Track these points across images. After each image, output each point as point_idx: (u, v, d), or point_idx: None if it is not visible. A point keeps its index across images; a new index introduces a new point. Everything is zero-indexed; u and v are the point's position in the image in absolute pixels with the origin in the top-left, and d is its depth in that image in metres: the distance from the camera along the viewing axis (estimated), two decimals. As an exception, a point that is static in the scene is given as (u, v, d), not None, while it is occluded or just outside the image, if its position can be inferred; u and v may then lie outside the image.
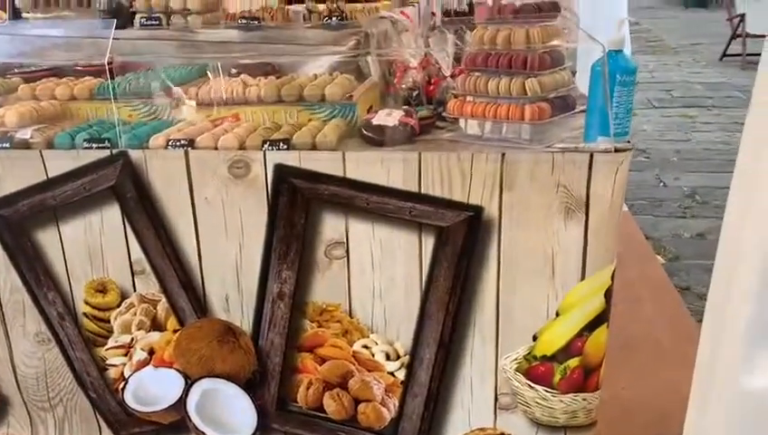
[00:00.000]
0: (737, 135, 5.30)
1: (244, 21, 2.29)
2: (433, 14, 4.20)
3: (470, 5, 4.82)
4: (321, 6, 2.35)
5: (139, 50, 2.33)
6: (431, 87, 2.20)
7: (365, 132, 1.85)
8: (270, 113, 1.97)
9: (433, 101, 2.17)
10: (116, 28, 2.28)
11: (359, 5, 2.70)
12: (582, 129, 1.77)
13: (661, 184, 5.12)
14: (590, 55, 1.72)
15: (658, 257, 3.57)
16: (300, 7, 2.66)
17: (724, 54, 9.79)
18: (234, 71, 2.22)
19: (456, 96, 1.88)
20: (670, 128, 6.56)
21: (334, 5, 2.29)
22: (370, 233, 1.73)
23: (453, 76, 2.08)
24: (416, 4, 3.92)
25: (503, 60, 1.74)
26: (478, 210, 1.67)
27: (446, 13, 4.40)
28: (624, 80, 1.61)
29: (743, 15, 9.15)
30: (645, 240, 3.82)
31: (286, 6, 2.45)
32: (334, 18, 2.27)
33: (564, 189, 1.62)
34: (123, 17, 2.42)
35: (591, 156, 1.59)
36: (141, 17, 2.37)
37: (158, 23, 2.36)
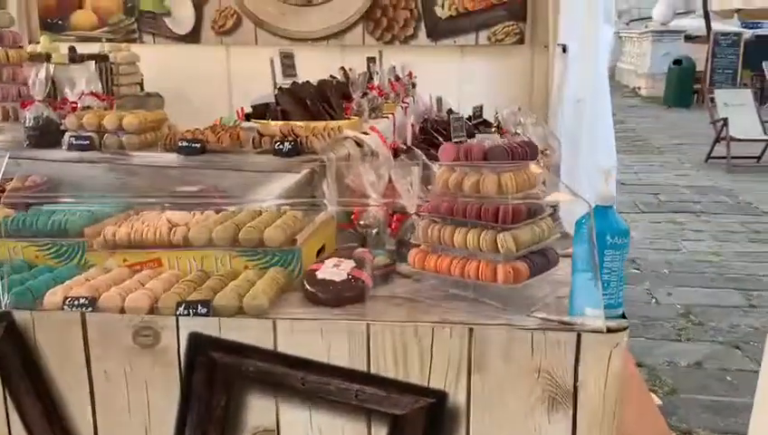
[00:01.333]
0: (728, 245, 5.02)
1: (185, 143, 2.03)
2: (412, 125, 4.02)
3: (449, 113, 4.69)
4: (274, 127, 2.10)
5: (63, 174, 2.05)
6: (393, 224, 1.93)
7: (308, 287, 1.54)
8: (199, 258, 1.66)
9: (396, 241, 1.88)
10: (43, 147, 2.01)
11: (320, 124, 2.45)
12: (568, 288, 1.47)
13: (653, 300, 4.82)
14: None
15: (654, 397, 3.23)
16: (254, 124, 2.42)
17: (709, 157, 9.77)
18: (167, 201, 1.93)
19: (417, 245, 1.59)
20: (659, 235, 6.34)
21: (288, 128, 2.04)
22: (307, 420, 1.39)
23: (418, 214, 1.80)
24: (389, 117, 3.75)
25: (471, 209, 1.46)
26: (441, 396, 1.35)
27: (423, 122, 4.24)
28: (615, 242, 1.33)
29: (725, 120, 9.19)
30: (638, 372, 3.47)
31: (237, 127, 2.20)
32: (287, 143, 2.01)
33: (547, 375, 1.31)
34: (52, 134, 2.15)
35: (579, 336, 1.29)
36: (71, 136, 2.10)
37: (88, 143, 2.09)
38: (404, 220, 1.89)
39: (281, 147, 2.00)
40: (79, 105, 2.29)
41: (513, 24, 5.55)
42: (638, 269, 5.41)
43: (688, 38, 18.44)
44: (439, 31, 5.69)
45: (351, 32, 5.76)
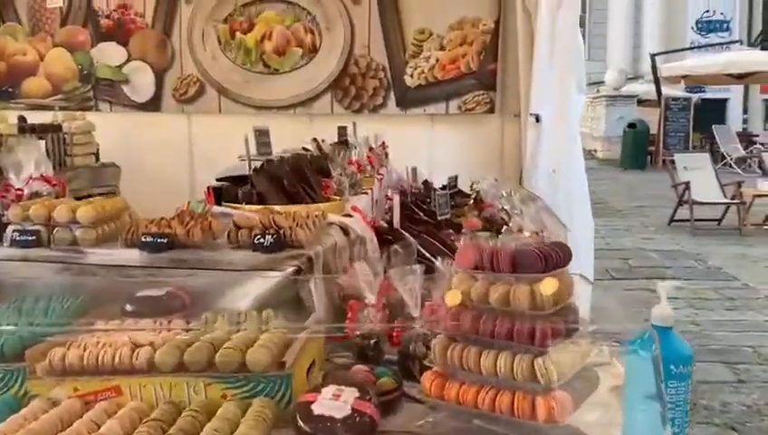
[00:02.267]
0: (704, 313, 4.86)
1: (150, 238, 1.76)
2: (387, 198, 3.82)
3: (425, 184, 4.52)
4: (253, 217, 1.85)
5: (3, 276, 1.75)
6: (395, 332, 1.68)
7: (302, 425, 1.26)
8: (167, 386, 1.37)
9: (398, 353, 1.63)
10: None
11: (302, 209, 2.21)
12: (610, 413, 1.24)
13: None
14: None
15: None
16: (227, 210, 2.16)
17: (672, 220, 9.86)
18: (129, 307, 1.65)
19: (433, 368, 1.33)
20: (636, 304, 6.22)
21: (269, 218, 1.79)
22: None
23: (431, 330, 1.56)
24: (369, 192, 3.54)
25: (500, 328, 1.22)
26: None
27: (400, 193, 4.04)
28: (680, 372, 1.11)
29: (687, 183, 9.32)
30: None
31: (208, 215, 1.94)
32: (269, 237, 1.76)
33: None
34: (-9, 229, 1.85)
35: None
36: (14, 231, 1.81)
37: (34, 238, 1.80)
38: (406, 328, 1.65)
39: (261, 241, 1.75)
40: (26, 192, 2.00)
41: (483, 94, 5.49)
42: (618, 343, 5.23)
43: (640, 102, 19.06)
44: (409, 99, 5.59)
45: (319, 100, 5.61)
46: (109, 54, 5.58)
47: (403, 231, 2.39)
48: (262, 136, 2.47)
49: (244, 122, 5.68)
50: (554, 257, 1.27)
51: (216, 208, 2.22)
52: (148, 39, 5.54)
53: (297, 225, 1.85)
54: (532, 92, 4.85)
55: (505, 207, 3.19)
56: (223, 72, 5.57)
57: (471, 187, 4.67)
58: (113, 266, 1.76)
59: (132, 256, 1.77)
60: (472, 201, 4.31)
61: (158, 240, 1.75)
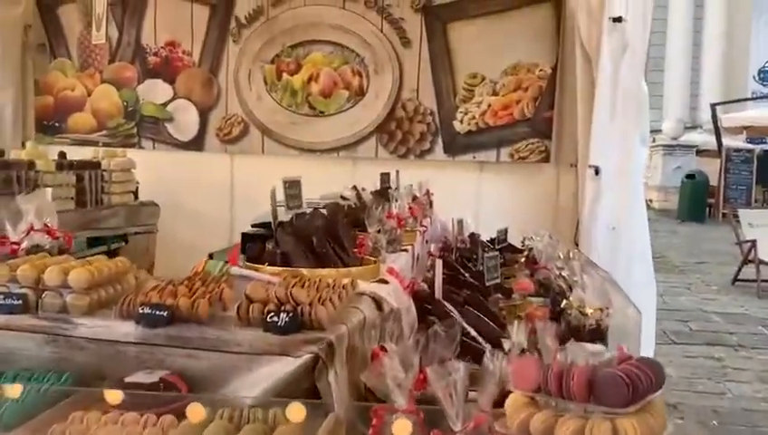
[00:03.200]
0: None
1: (147, 309, 1.51)
2: (430, 254, 3.52)
3: (472, 237, 4.19)
4: (267, 289, 1.57)
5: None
6: (428, 444, 1.37)
7: None
8: None
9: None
10: None
11: (331, 275, 1.94)
12: None
13: (706, 465, 4.14)
14: None
15: None
16: (246, 272, 1.91)
17: (736, 279, 9.22)
18: (119, 398, 1.38)
19: None
20: (698, 374, 5.69)
21: (285, 292, 1.52)
22: None
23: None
24: (409, 248, 3.25)
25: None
26: None
27: (443, 251, 3.73)
28: None
29: (754, 241, 8.71)
30: None
31: (222, 285, 1.68)
32: (283, 315, 1.49)
33: None
34: (-24, 289, 1.63)
35: None
36: (-1, 293, 1.59)
37: (20, 303, 1.56)
38: (442, 438, 1.34)
39: (275, 319, 1.47)
40: (24, 245, 1.79)
41: (537, 142, 5.18)
42: (681, 419, 4.74)
43: (699, 152, 18.36)
44: (457, 145, 5.33)
45: (364, 144, 5.41)
46: (154, 92, 5.52)
47: (446, 302, 2.09)
48: (292, 188, 2.23)
49: (286, 164, 5.55)
50: (643, 382, 0.95)
51: (235, 270, 1.97)
52: (195, 77, 5.46)
53: (319, 299, 1.57)
54: (592, 143, 4.52)
55: (563, 274, 2.87)
56: (268, 112, 5.43)
57: (523, 242, 4.33)
58: (103, 341, 1.51)
59: (127, 329, 1.52)
60: (523, 259, 3.98)
61: (157, 313, 1.50)
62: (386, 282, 2.10)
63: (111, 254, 4.70)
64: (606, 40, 4.39)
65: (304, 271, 1.96)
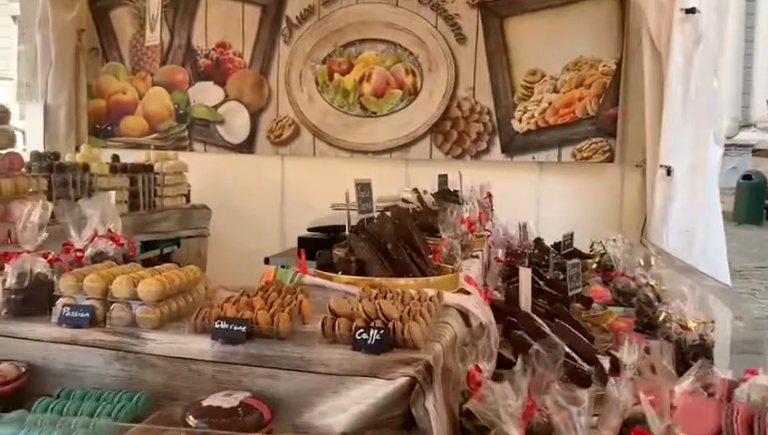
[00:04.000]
0: None
1: (224, 324, 1.37)
2: (498, 260, 3.34)
3: (538, 243, 3.97)
4: (351, 307, 1.41)
5: (50, 362, 1.42)
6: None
7: None
8: None
9: None
10: (27, 318, 1.38)
11: (411, 285, 1.79)
12: None
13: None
14: None
15: None
16: (320, 281, 1.76)
17: (803, 284, 8.76)
18: (191, 419, 1.25)
19: None
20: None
21: (375, 307, 1.37)
22: None
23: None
24: (479, 254, 3.07)
25: None
26: None
27: (510, 254, 3.53)
28: None
29: (823, 246, 8.25)
30: None
31: (300, 296, 1.53)
32: (374, 331, 1.33)
33: None
34: (40, 301, 1.53)
35: None
36: (65, 305, 1.47)
37: (87, 316, 1.45)
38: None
39: (365, 337, 1.32)
40: (88, 253, 1.68)
41: (601, 141, 4.93)
42: None
43: (755, 152, 17.67)
44: (516, 145, 5.11)
45: (417, 145, 5.24)
46: (205, 94, 5.46)
47: (535, 317, 1.91)
48: (364, 190, 2.08)
49: (338, 166, 5.43)
50: None
51: (308, 279, 1.82)
52: (246, 79, 5.39)
53: (409, 313, 1.41)
54: (663, 141, 4.27)
55: (650, 283, 2.66)
56: (319, 114, 5.32)
57: (591, 247, 4.11)
58: (176, 359, 1.38)
59: (202, 345, 1.39)
60: (594, 265, 3.76)
61: (235, 328, 1.36)
62: (467, 292, 1.93)
63: (164, 258, 4.65)
64: (677, 32, 4.14)
65: (382, 280, 1.80)
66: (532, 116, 4.97)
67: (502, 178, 4.85)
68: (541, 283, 2.84)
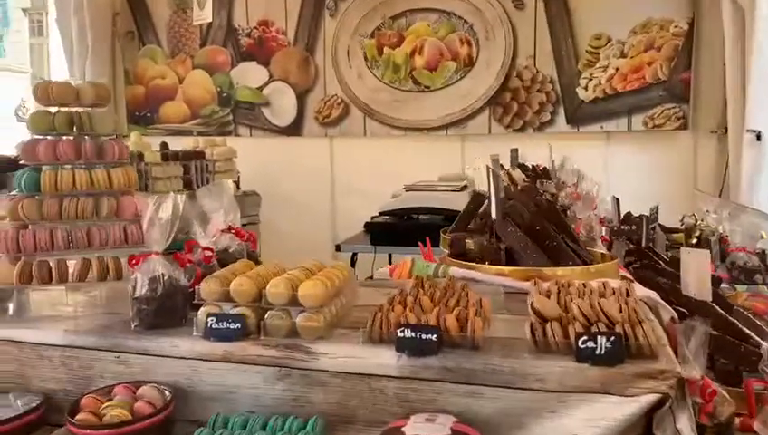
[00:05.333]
0: None
1: (409, 333, 1.14)
2: (603, 239, 3.08)
3: (631, 218, 3.70)
4: (559, 308, 1.16)
5: (196, 384, 1.20)
6: None
7: None
8: None
9: None
10: (162, 331, 1.17)
11: (572, 275, 1.55)
12: None
13: None
14: None
15: None
16: (474, 274, 1.54)
17: None
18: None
19: None
20: None
21: (594, 306, 1.12)
22: None
23: None
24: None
25: None
26: None
27: (613, 232, 3.28)
28: None
29: None
30: None
31: (471, 294, 1.30)
32: (602, 338, 1.10)
33: None
34: (176, 310, 1.31)
35: None
36: (210, 316, 1.25)
37: (238, 326, 1.23)
38: None
39: (591, 345, 1.09)
40: (214, 250, 1.46)
41: (674, 107, 4.62)
42: None
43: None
44: (582, 115, 4.82)
45: (475, 119, 4.97)
46: (249, 75, 5.21)
47: (716, 307, 1.66)
48: (494, 166, 1.83)
49: (390, 145, 5.19)
50: None
51: (456, 271, 1.59)
52: (290, 58, 5.12)
53: (637, 318, 1.17)
54: (749, 104, 3.98)
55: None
56: (369, 91, 5.06)
57: (681, 220, 3.85)
58: (354, 375, 1.16)
59: (384, 359, 1.16)
60: (695, 240, 3.50)
61: (424, 336, 1.13)
62: (630, 280, 1.69)
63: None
64: (763, -17, 3.83)
65: (541, 271, 1.57)
66: (599, 83, 4.68)
67: (566, 150, 4.57)
68: (660, 263, 2.60)
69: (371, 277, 2.91)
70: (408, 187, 3.85)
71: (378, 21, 4.98)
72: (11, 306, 1.39)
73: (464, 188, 3.58)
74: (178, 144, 4.73)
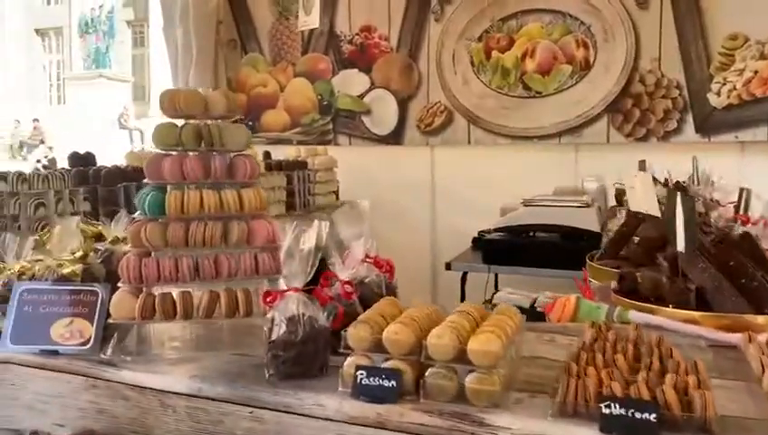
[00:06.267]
0: None
1: (619, 409, 0.89)
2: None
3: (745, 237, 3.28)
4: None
5: None
6: None
7: None
8: None
9: None
10: (300, 378, 0.95)
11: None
12: None
13: None
14: None
15: None
16: (660, 321, 1.25)
17: None
18: None
19: None
20: None
21: None
22: None
23: None
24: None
25: None
26: None
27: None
28: None
29: None
30: None
31: (674, 352, 1.03)
32: None
33: None
34: (314, 355, 1.11)
35: None
36: (361, 368, 1.04)
37: (393, 384, 1.02)
38: None
39: None
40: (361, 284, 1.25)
41: (823, 114, 4.14)
42: None
43: None
44: (714, 123, 4.35)
45: (591, 127, 4.61)
46: (350, 83, 5.07)
47: None
48: (681, 185, 1.55)
49: (495, 155, 4.89)
50: None
51: (636, 316, 1.32)
52: (393, 64, 4.95)
53: None
54: None
55: None
56: (475, 97, 4.80)
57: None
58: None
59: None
60: None
61: (639, 416, 0.88)
62: None
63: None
64: None
65: (747, 317, 1.27)
66: (734, 88, 4.22)
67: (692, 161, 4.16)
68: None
69: (489, 301, 2.63)
70: (527, 201, 3.56)
71: (486, 24, 4.72)
72: (130, 344, 1.23)
73: (590, 203, 3.26)
74: (279, 153, 4.66)
